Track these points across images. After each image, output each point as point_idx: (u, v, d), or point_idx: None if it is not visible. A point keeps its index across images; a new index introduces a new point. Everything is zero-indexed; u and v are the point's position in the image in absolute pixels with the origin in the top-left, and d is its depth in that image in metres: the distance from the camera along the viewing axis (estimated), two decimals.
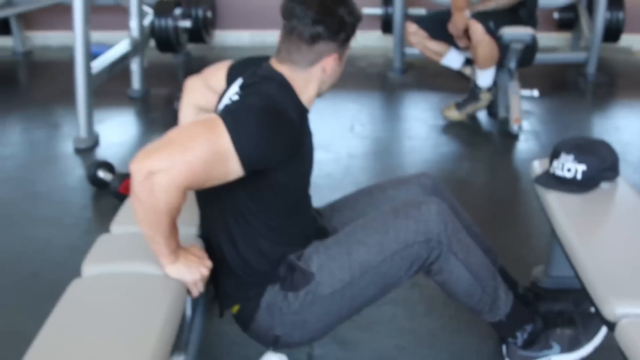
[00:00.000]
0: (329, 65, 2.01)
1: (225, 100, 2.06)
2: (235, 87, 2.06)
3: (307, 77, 2.02)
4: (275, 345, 2.15)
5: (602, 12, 5.63)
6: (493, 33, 4.39)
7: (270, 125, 1.87)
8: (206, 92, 2.31)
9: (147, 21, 5.66)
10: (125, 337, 1.65)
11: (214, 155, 1.78)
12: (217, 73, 2.26)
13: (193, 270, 1.96)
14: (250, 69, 2.10)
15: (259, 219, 2.02)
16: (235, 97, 1.99)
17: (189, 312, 2.12)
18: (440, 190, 2.39)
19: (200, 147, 1.77)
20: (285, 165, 1.94)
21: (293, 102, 2.00)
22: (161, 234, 1.86)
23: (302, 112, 2.04)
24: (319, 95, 2.10)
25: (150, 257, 1.94)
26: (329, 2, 1.95)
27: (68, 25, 6.75)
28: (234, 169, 1.83)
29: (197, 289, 1.98)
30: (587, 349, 2.32)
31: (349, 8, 1.97)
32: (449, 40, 4.68)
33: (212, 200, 2.00)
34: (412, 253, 2.06)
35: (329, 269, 2.06)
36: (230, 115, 1.84)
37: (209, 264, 2.01)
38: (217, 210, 2.06)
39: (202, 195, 2.11)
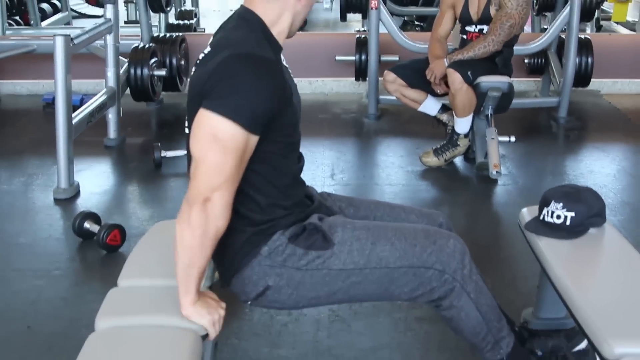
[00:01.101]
0: None
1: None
2: (206, 47, 2.08)
3: (281, 6, 2.03)
4: (258, 298, 2.14)
5: (572, 58, 5.80)
6: (470, 82, 4.51)
7: (254, 79, 1.90)
8: None
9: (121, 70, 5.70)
10: None
11: (237, 151, 1.88)
12: None
13: (212, 311, 2.01)
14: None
15: (251, 171, 2.01)
16: (207, 49, 2.03)
17: None
18: (453, 233, 2.44)
19: (229, 161, 1.87)
20: (283, 107, 1.98)
21: (265, 41, 2.01)
22: (200, 264, 1.93)
23: (276, 48, 2.05)
24: (292, 30, 2.10)
25: (163, 309, 1.98)
26: None
27: (37, 73, 6.87)
28: (252, 141, 1.92)
29: (215, 331, 2.02)
30: None
31: None
32: (426, 88, 4.79)
33: None
34: (425, 276, 2.12)
35: (349, 247, 2.10)
36: (213, 100, 1.88)
37: (224, 305, 2.07)
38: None
39: None
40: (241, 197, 2.02)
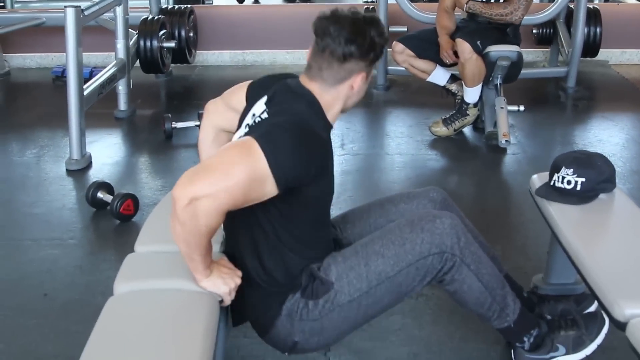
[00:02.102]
0: (357, 83, 2.10)
1: (249, 119, 2.14)
2: (261, 104, 2.13)
3: (335, 94, 2.11)
4: (292, 351, 2.23)
5: (581, 28, 5.79)
6: (480, 51, 4.51)
7: (303, 144, 1.95)
8: (227, 113, 2.38)
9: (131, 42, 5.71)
10: (169, 351, 1.72)
11: (252, 179, 1.87)
12: (237, 93, 2.33)
13: (228, 281, 2.06)
14: (274, 86, 2.17)
15: (287, 232, 2.10)
16: (264, 115, 2.07)
17: None
18: (450, 204, 2.48)
19: (240, 173, 1.85)
20: (315, 181, 2.02)
21: (321, 120, 2.09)
22: (199, 252, 1.95)
23: (328, 128, 2.12)
24: (343, 111, 2.18)
25: (180, 274, 2.02)
26: (361, 23, 2.04)
27: (46, 46, 6.89)
28: (270, 190, 1.92)
29: (231, 298, 2.08)
30: (591, 348, 2.42)
31: (379, 30, 2.07)
32: (434, 58, 4.80)
33: (239, 215, 2.04)
34: (427, 264, 2.15)
35: (347, 278, 2.14)
36: (265, 138, 1.91)
37: (240, 273, 2.11)
38: (243, 225, 2.14)
39: (229, 211, 2.18)
40: (272, 252, 2.11)
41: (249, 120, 2.14)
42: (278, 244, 2.11)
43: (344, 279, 2.14)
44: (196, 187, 1.82)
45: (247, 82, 2.33)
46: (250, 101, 2.22)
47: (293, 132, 1.96)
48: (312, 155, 1.98)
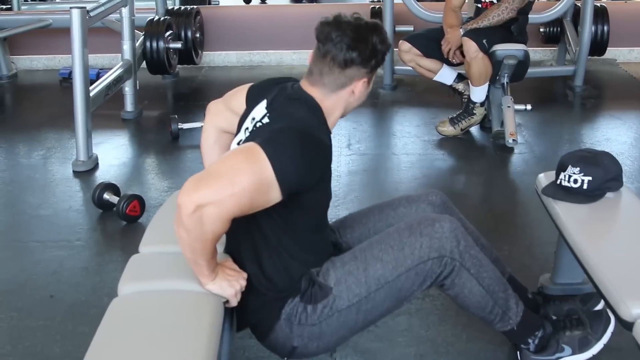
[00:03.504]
0: (358, 89, 2.10)
1: (249, 123, 2.13)
2: (261, 108, 2.13)
3: (336, 100, 2.10)
4: (291, 355, 2.23)
5: (588, 26, 5.77)
6: (486, 50, 4.50)
7: (307, 150, 1.95)
8: (228, 114, 2.38)
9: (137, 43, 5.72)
10: (172, 352, 1.72)
11: (258, 186, 1.87)
12: (238, 95, 2.33)
13: (233, 283, 2.06)
14: (274, 90, 2.17)
15: (287, 236, 2.10)
16: (266, 120, 2.07)
17: None
18: (449, 207, 2.47)
19: (246, 179, 1.85)
20: (318, 185, 2.02)
21: (322, 125, 2.08)
22: (204, 258, 1.95)
23: (328, 133, 2.11)
24: (343, 116, 2.18)
25: (184, 275, 2.02)
26: (363, 30, 2.04)
27: (52, 48, 6.90)
28: (275, 196, 1.92)
29: (237, 300, 2.07)
30: (597, 347, 2.41)
31: (382, 37, 2.07)
32: (441, 57, 4.79)
33: (240, 220, 2.02)
34: (426, 269, 2.14)
35: (346, 283, 2.14)
36: (270, 144, 1.91)
37: (245, 275, 2.11)
38: (244, 229, 2.13)
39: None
40: (272, 257, 2.11)
41: (248, 124, 2.14)
42: (278, 250, 2.11)
43: (343, 284, 2.14)
44: (202, 194, 1.82)
45: (248, 85, 2.33)
46: (250, 104, 2.22)
47: (297, 138, 1.95)
48: (315, 160, 1.98)
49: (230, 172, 1.86)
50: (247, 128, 2.14)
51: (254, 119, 2.12)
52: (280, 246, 2.10)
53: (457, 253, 2.15)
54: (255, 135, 2.05)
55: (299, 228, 2.12)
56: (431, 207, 2.44)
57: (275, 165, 1.87)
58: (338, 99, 2.11)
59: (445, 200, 2.48)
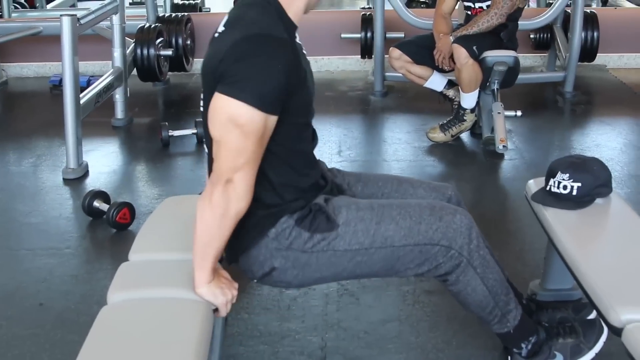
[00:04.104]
0: None
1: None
2: (220, 25, 2.08)
3: None
4: (264, 277, 2.18)
5: (578, 32, 5.79)
6: (476, 56, 4.51)
7: (268, 60, 1.89)
8: None
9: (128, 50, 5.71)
10: None
11: (256, 132, 1.89)
12: None
13: (226, 292, 2.04)
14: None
15: (268, 151, 2.02)
16: (221, 28, 2.04)
17: None
18: (463, 206, 2.46)
19: (250, 145, 1.89)
20: (295, 88, 1.97)
21: (278, 20, 1.99)
22: (218, 244, 1.96)
23: (291, 27, 2.03)
24: (309, 9, 2.09)
25: (174, 282, 2.01)
26: None
27: (43, 55, 6.89)
28: (270, 122, 1.93)
29: (227, 310, 2.06)
30: (589, 356, 2.42)
31: None
32: (432, 64, 4.79)
33: None
34: (432, 252, 2.14)
35: (354, 227, 2.12)
36: (230, 86, 1.88)
37: (237, 285, 2.10)
38: None
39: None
40: (261, 176, 2.04)
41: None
42: (264, 167, 2.03)
43: (351, 226, 2.12)
44: (227, 172, 1.89)
45: None
46: None
47: (252, 50, 1.89)
48: (280, 63, 1.91)
49: (235, 145, 1.89)
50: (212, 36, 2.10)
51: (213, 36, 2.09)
52: (266, 164, 2.03)
53: (467, 250, 2.16)
54: (207, 66, 2.01)
55: (281, 140, 2.04)
56: (447, 202, 2.41)
57: (249, 101, 1.86)
58: None
59: (460, 200, 2.47)
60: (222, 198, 1.89)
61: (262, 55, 1.89)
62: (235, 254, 2.16)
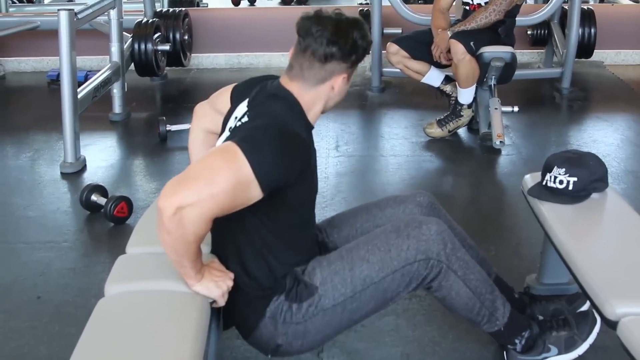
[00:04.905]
0: (337, 83, 2.10)
1: (232, 122, 2.14)
2: (243, 107, 2.14)
3: (315, 95, 2.10)
4: (275, 353, 2.24)
5: (575, 29, 5.79)
6: (473, 52, 4.52)
7: (284, 146, 1.96)
8: (215, 115, 2.38)
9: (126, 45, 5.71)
10: (159, 352, 1.72)
11: (237, 184, 1.88)
12: (223, 95, 2.35)
13: (220, 284, 2.06)
14: (256, 88, 2.17)
15: (271, 235, 2.11)
16: (245, 119, 2.07)
17: None
18: (437, 208, 2.48)
19: (224, 179, 1.86)
20: (299, 181, 2.02)
21: (301, 120, 2.09)
22: (188, 259, 1.95)
23: (309, 128, 2.12)
24: (324, 111, 2.18)
25: (171, 275, 2.02)
26: (344, 25, 2.04)
27: (40, 50, 6.88)
28: (255, 194, 1.92)
29: (224, 301, 2.08)
30: (583, 348, 2.43)
31: (362, 32, 2.07)
32: (429, 59, 4.80)
33: (223, 219, 2.02)
34: (412, 270, 2.15)
35: (332, 282, 2.15)
36: (247, 142, 1.92)
37: (232, 275, 2.11)
38: (227, 228, 2.13)
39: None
40: (256, 257, 2.11)
41: (231, 123, 2.15)
42: (262, 249, 2.11)
43: (329, 283, 2.15)
44: (180, 197, 1.82)
45: (232, 85, 2.34)
46: (234, 104, 2.23)
47: (273, 134, 1.96)
48: (293, 156, 1.98)
49: (209, 173, 1.87)
50: (230, 127, 2.15)
51: (236, 117, 2.13)
52: (263, 245, 2.11)
53: (444, 255, 2.16)
54: (234, 134, 2.05)
55: (283, 226, 2.12)
56: (419, 208, 2.45)
57: (252, 163, 1.88)
58: (317, 94, 2.10)
59: (432, 201, 2.49)
60: (174, 226, 1.85)
61: (282, 143, 1.96)
62: (244, 335, 2.25)
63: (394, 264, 2.14)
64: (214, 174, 1.86)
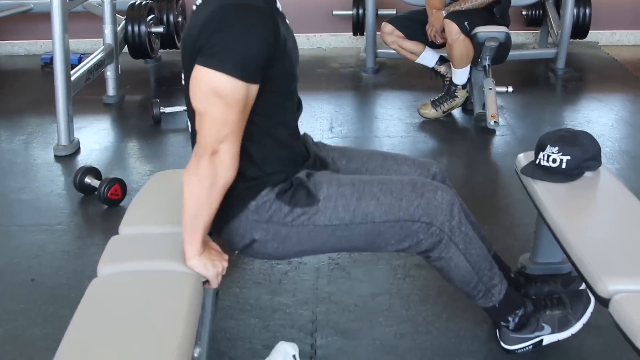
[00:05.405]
0: None
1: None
2: None
3: None
4: (245, 249, 2.19)
5: (570, 9, 5.76)
6: (467, 32, 4.50)
7: (242, 28, 1.89)
8: None
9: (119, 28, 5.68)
10: (150, 332, 1.72)
11: (239, 102, 1.90)
12: None
13: (216, 264, 2.05)
14: None
15: (256, 127, 2.05)
16: (199, 1, 2.02)
17: None
18: (447, 182, 2.48)
19: (227, 110, 1.89)
20: (275, 55, 1.96)
21: None
22: (207, 215, 1.97)
23: None
24: None
25: (164, 255, 2.02)
26: None
27: (34, 33, 6.85)
28: (252, 90, 1.93)
29: (218, 282, 2.07)
30: (577, 327, 2.44)
31: None
32: (424, 39, 4.78)
33: None
34: (412, 228, 2.15)
35: (334, 203, 2.13)
36: (210, 57, 1.89)
37: (227, 257, 2.10)
38: None
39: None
40: (243, 151, 2.04)
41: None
42: (245, 141, 2.02)
43: (332, 202, 2.13)
44: (212, 144, 1.89)
45: None
46: None
47: (228, 23, 1.89)
48: (254, 30, 1.91)
49: (218, 116, 1.89)
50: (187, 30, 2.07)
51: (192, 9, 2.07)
52: (247, 136, 2.02)
53: (448, 227, 2.16)
54: (187, 39, 2.02)
55: (263, 108, 2.04)
56: (431, 178, 2.42)
57: (229, 71, 1.86)
58: None
59: (445, 177, 2.48)
60: (209, 169, 1.90)
61: (240, 24, 1.89)
62: (217, 226, 2.16)
63: (400, 214, 2.14)
64: (222, 118, 1.89)
